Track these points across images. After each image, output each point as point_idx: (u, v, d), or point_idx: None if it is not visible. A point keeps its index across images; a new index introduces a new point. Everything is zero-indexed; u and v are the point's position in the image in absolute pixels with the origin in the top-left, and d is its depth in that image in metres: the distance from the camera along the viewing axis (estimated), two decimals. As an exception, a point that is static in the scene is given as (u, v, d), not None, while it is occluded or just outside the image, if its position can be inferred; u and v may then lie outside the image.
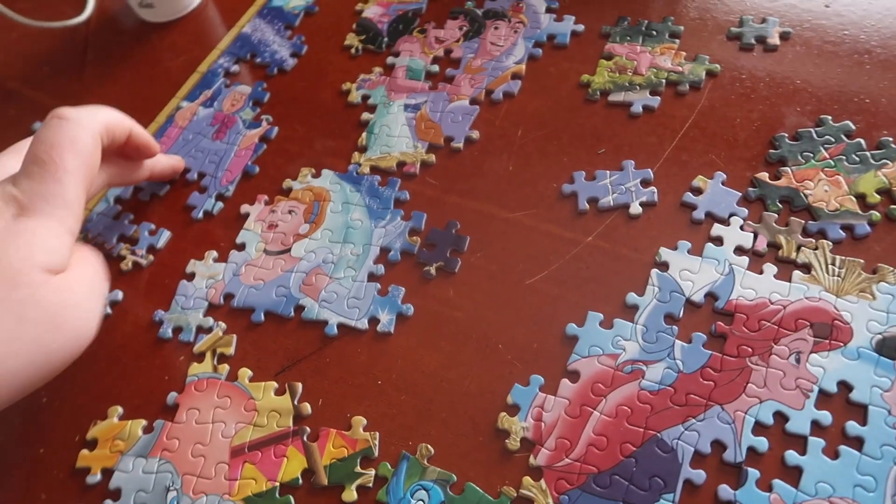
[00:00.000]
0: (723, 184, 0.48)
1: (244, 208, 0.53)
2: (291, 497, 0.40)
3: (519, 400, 0.42)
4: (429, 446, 0.41)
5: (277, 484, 0.41)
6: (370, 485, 0.40)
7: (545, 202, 0.50)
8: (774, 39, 0.55)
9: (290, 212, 0.52)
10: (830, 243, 0.44)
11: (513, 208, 0.50)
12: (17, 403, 0.46)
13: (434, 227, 0.49)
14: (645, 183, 0.49)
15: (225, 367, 0.45)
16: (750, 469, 0.38)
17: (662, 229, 0.47)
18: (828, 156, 0.48)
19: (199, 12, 0.68)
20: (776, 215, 0.46)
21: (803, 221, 0.45)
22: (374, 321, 0.46)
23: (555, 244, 0.47)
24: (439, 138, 0.54)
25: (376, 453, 0.41)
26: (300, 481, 0.41)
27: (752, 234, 0.45)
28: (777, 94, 0.52)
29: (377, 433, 0.42)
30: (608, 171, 0.50)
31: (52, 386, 0.46)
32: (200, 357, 0.46)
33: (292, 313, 0.47)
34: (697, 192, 0.48)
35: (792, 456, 0.38)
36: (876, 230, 0.44)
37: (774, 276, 0.44)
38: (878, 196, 0.45)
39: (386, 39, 0.62)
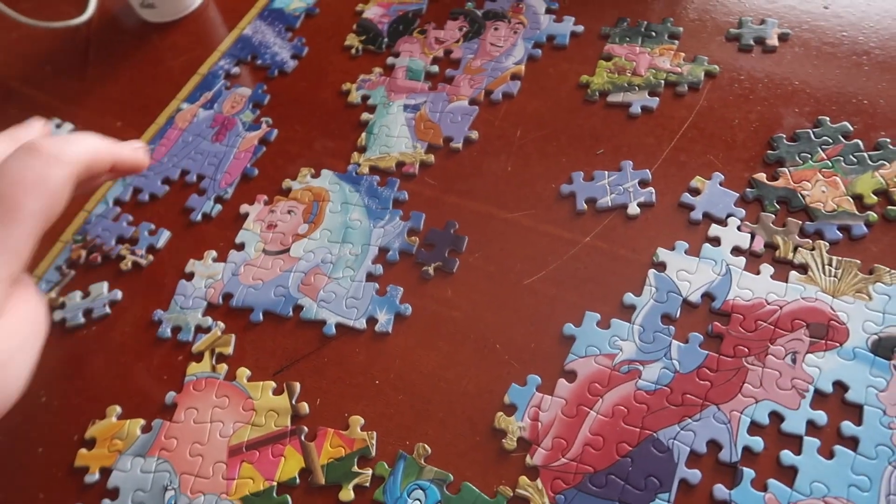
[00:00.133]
0: (720, 184, 0.48)
1: (243, 208, 0.53)
2: (289, 496, 0.40)
3: (516, 400, 0.42)
4: (426, 446, 0.41)
5: (275, 483, 0.41)
6: (367, 484, 0.40)
7: (543, 202, 0.50)
8: (773, 40, 0.55)
9: (289, 212, 0.52)
10: (827, 244, 0.44)
11: (511, 208, 0.50)
12: (16, 403, 0.46)
13: (433, 227, 0.50)
14: (643, 183, 0.49)
15: (223, 367, 0.46)
16: (745, 469, 0.38)
17: (660, 230, 0.47)
18: (825, 157, 0.48)
19: (200, 13, 0.69)
20: (773, 216, 0.46)
21: (800, 222, 0.45)
22: (372, 321, 0.46)
23: (553, 244, 0.48)
24: (438, 139, 0.54)
25: (373, 453, 0.41)
26: (297, 481, 0.41)
27: (749, 235, 0.45)
28: (775, 95, 0.52)
29: (374, 433, 0.42)
30: (606, 172, 0.50)
31: (51, 385, 0.47)
32: (199, 357, 0.46)
33: (291, 313, 0.47)
34: (695, 192, 0.48)
35: (787, 456, 0.38)
36: (873, 231, 0.44)
37: (771, 277, 0.44)
38: (875, 197, 0.46)
39: (386, 40, 0.62)
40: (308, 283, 0.48)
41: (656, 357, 0.42)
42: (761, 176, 0.48)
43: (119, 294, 0.50)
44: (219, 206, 0.54)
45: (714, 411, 0.40)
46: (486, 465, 0.40)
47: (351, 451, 0.41)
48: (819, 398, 0.39)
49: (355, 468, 0.41)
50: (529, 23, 0.60)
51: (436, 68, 0.59)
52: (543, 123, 0.54)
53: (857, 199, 0.46)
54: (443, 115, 0.55)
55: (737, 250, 0.45)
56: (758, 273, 0.44)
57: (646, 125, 0.52)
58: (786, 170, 0.48)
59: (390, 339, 0.46)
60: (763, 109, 0.51)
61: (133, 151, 0.43)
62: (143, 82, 0.64)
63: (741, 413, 0.39)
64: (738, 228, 0.46)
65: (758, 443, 0.38)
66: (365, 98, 0.58)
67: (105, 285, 0.51)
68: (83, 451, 0.44)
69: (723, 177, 0.48)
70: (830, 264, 0.44)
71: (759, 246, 0.45)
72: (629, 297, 0.44)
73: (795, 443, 0.38)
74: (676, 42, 0.56)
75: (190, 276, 0.50)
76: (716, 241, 0.46)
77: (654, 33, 0.57)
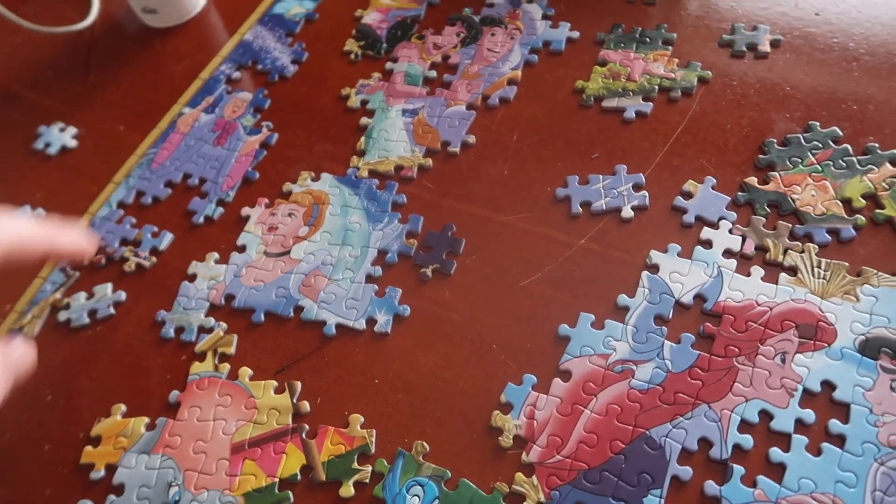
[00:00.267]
0: (713, 188, 0.49)
1: (244, 211, 0.54)
2: (290, 492, 0.41)
3: (512, 398, 0.43)
4: (424, 443, 0.42)
5: (277, 480, 0.42)
6: (367, 480, 0.41)
7: (539, 206, 0.51)
8: (765, 47, 0.56)
9: (289, 214, 0.53)
10: (816, 247, 0.45)
11: (508, 212, 0.51)
12: (22, 402, 0.47)
13: (431, 229, 0.51)
14: (637, 187, 0.50)
15: (226, 366, 0.47)
16: (735, 465, 0.39)
17: (653, 232, 0.48)
18: (815, 161, 0.49)
19: (202, 18, 0.70)
20: (764, 219, 0.47)
21: (790, 225, 0.46)
22: (371, 322, 0.47)
23: (548, 247, 0.49)
24: (436, 143, 0.55)
25: (373, 450, 0.42)
26: (299, 477, 0.42)
27: (740, 238, 0.46)
28: (767, 101, 0.53)
29: (374, 431, 0.43)
30: (601, 176, 0.51)
31: (57, 385, 0.48)
32: (202, 356, 0.47)
33: (292, 314, 0.48)
34: (688, 196, 0.49)
35: (776, 453, 0.39)
36: (861, 234, 0.46)
37: (762, 279, 0.45)
38: (863, 201, 0.47)
39: (385, 45, 0.63)
40: (308, 284, 0.49)
41: (649, 357, 0.43)
42: (752, 180, 0.49)
43: (123, 295, 0.51)
44: (220, 209, 0.55)
45: (705, 410, 0.41)
46: (482, 462, 0.41)
47: (351, 449, 0.42)
48: (807, 397, 0.40)
49: (355, 465, 0.42)
50: (526, 29, 0.61)
51: (434, 73, 0.60)
52: (539, 128, 0.55)
53: (846, 202, 0.47)
54: (441, 119, 0.56)
55: (728, 253, 0.46)
56: (749, 275, 0.45)
57: (640, 130, 0.53)
58: (776, 174, 0.49)
59: (389, 339, 0.47)
60: (755, 114, 0.52)
61: (72, 242, 0.41)
62: (145, 87, 0.65)
63: (732, 411, 0.40)
64: (730, 231, 0.47)
65: (748, 440, 0.39)
66: (364, 102, 0.59)
67: (109, 286, 0.52)
68: (89, 448, 0.45)
69: (715, 181, 0.49)
70: (819, 267, 0.45)
71: (749, 248, 0.46)
72: (623, 299, 0.45)
73: (784, 440, 0.39)
74: (670, 48, 0.57)
75: (192, 278, 0.51)
76: (708, 244, 0.47)
77: (648, 39, 0.58)
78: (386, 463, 0.42)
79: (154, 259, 0.53)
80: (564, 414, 0.42)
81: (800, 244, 0.46)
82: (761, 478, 0.38)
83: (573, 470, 0.40)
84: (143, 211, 0.56)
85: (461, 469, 0.41)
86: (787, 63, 0.55)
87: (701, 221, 0.48)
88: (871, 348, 0.41)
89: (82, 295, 0.52)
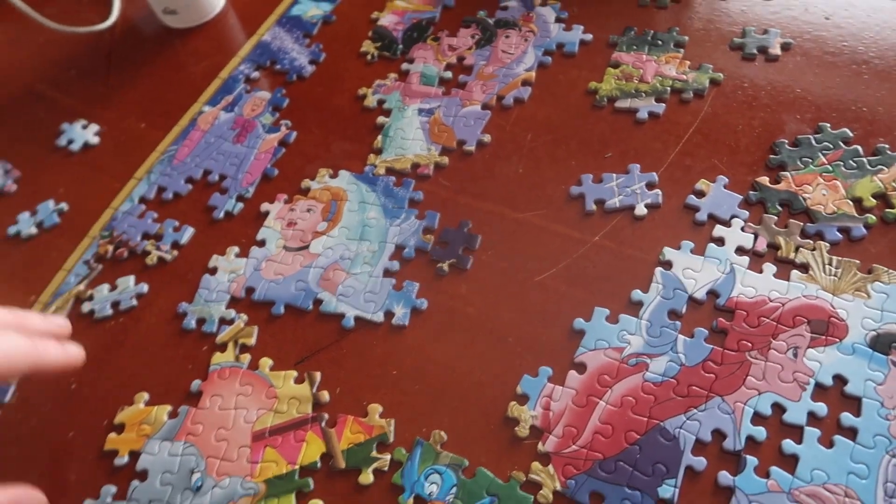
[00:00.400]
0: (725, 187, 0.50)
1: (264, 206, 0.55)
2: (310, 479, 0.42)
3: (528, 390, 0.44)
4: (442, 433, 0.43)
5: (297, 467, 0.43)
6: (386, 468, 0.42)
7: (554, 203, 0.52)
8: (776, 50, 0.57)
9: (308, 210, 0.54)
10: (828, 244, 0.46)
11: (522, 209, 0.52)
12: (48, 389, 0.48)
13: (447, 226, 0.52)
14: (650, 186, 0.51)
15: (247, 357, 0.48)
16: (748, 456, 0.39)
17: (666, 230, 0.49)
18: (826, 161, 0.50)
19: (221, 19, 0.71)
20: (776, 217, 0.48)
21: (802, 224, 0.47)
22: (389, 315, 0.48)
23: (563, 243, 0.49)
24: (452, 141, 0.56)
25: (391, 439, 0.43)
26: (319, 465, 0.43)
27: (752, 235, 0.47)
28: (778, 102, 0.54)
29: (392, 420, 0.44)
30: (615, 175, 0.52)
31: (81, 373, 0.48)
32: (223, 347, 0.48)
33: (311, 306, 0.49)
34: (700, 194, 0.50)
35: (789, 445, 0.40)
36: (871, 232, 0.46)
37: (774, 275, 0.45)
38: (873, 200, 0.47)
39: (401, 47, 0.64)
40: (327, 277, 0.50)
41: (663, 350, 0.44)
42: (764, 179, 0.50)
43: (145, 287, 0.52)
44: (240, 205, 0.56)
45: (719, 402, 0.41)
46: (499, 452, 0.42)
47: (370, 437, 0.43)
48: (819, 391, 0.41)
49: (374, 453, 0.43)
50: (540, 31, 0.62)
51: (449, 74, 0.61)
52: (553, 128, 0.56)
53: (857, 202, 0.48)
54: (456, 118, 0.58)
55: (740, 250, 0.47)
56: (761, 272, 0.46)
57: (652, 130, 0.54)
58: (788, 174, 0.50)
59: (407, 332, 0.47)
60: (766, 116, 0.53)
61: (61, 354, 0.41)
62: (165, 86, 0.66)
63: (745, 404, 0.41)
64: (742, 229, 0.48)
65: (761, 432, 0.40)
66: (380, 102, 0.60)
67: (132, 279, 0.53)
68: (112, 435, 0.46)
69: (727, 180, 0.50)
70: (831, 264, 0.45)
71: (761, 246, 0.47)
72: (637, 294, 0.46)
73: (797, 432, 0.40)
74: (682, 50, 0.58)
75: (213, 271, 0.52)
76: (720, 241, 0.47)
77: (660, 42, 0.59)
78: (404, 451, 0.43)
79: (175, 252, 0.54)
80: (580, 405, 0.43)
81: (811, 242, 0.46)
82: (774, 469, 0.39)
83: (589, 460, 0.41)
84: (164, 206, 0.57)
85: (478, 458, 0.42)
86: (798, 66, 0.56)
87: (713, 219, 0.49)
88: (882, 344, 0.42)
89: (105, 287, 0.53)
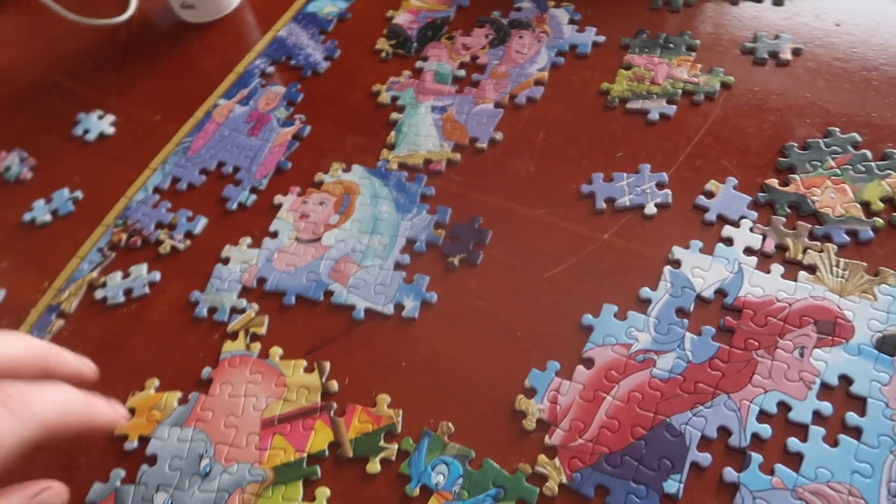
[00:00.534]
0: (734, 188, 0.50)
1: (277, 199, 0.56)
2: (318, 467, 0.43)
3: (536, 384, 0.44)
4: (449, 424, 0.43)
5: (305, 455, 0.43)
6: (393, 458, 0.42)
7: (564, 201, 0.52)
8: (786, 55, 0.57)
9: (321, 203, 0.55)
10: (835, 247, 0.46)
11: (533, 206, 0.52)
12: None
13: (458, 221, 0.52)
14: (660, 185, 0.51)
15: (257, 346, 0.48)
16: (753, 454, 0.40)
17: (675, 229, 0.49)
18: (835, 165, 0.50)
19: (237, 15, 0.72)
20: (784, 219, 0.48)
21: (810, 226, 0.48)
22: (399, 307, 0.48)
23: (573, 240, 0.50)
24: (465, 138, 0.57)
25: (399, 429, 0.43)
26: (327, 453, 0.43)
27: (760, 236, 0.48)
28: (788, 107, 0.54)
29: (400, 410, 0.44)
30: (625, 174, 0.52)
31: (92, 359, 0.49)
32: (234, 336, 0.49)
33: (322, 297, 0.50)
34: (710, 195, 0.50)
35: (794, 443, 0.40)
36: (879, 236, 0.47)
37: (781, 276, 0.46)
38: (881, 204, 0.48)
39: (415, 45, 0.65)
40: (338, 269, 0.51)
41: (670, 348, 0.44)
42: (773, 182, 0.50)
43: (158, 275, 0.53)
44: (254, 196, 0.56)
45: (725, 399, 0.42)
46: (506, 444, 0.42)
47: (378, 427, 0.44)
48: (825, 390, 0.41)
49: (382, 443, 0.43)
50: (553, 32, 0.63)
51: (463, 72, 0.61)
52: (565, 127, 0.56)
53: (865, 205, 0.48)
54: (469, 116, 0.58)
55: (749, 250, 0.47)
56: (768, 272, 0.46)
57: (663, 131, 0.55)
58: (797, 176, 0.50)
59: (416, 324, 0.48)
60: (776, 119, 0.54)
61: (112, 414, 0.37)
62: (181, 79, 0.67)
63: (751, 402, 0.41)
64: (751, 230, 0.48)
65: (766, 430, 0.40)
66: (394, 99, 0.61)
67: (144, 267, 0.53)
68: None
69: (736, 181, 0.51)
70: (838, 266, 0.46)
71: (769, 247, 0.47)
72: (645, 292, 0.47)
73: (802, 431, 0.40)
74: (693, 54, 0.58)
75: (226, 261, 0.53)
76: (729, 242, 0.48)
77: (672, 45, 0.59)
78: (412, 442, 0.43)
79: (188, 242, 0.55)
80: (587, 400, 0.43)
81: (819, 244, 0.47)
82: (779, 466, 0.39)
83: (595, 453, 0.41)
84: (178, 196, 0.58)
85: (485, 449, 0.42)
86: (808, 71, 0.56)
87: (722, 220, 0.49)
88: (887, 345, 0.42)
89: (118, 274, 0.53)
